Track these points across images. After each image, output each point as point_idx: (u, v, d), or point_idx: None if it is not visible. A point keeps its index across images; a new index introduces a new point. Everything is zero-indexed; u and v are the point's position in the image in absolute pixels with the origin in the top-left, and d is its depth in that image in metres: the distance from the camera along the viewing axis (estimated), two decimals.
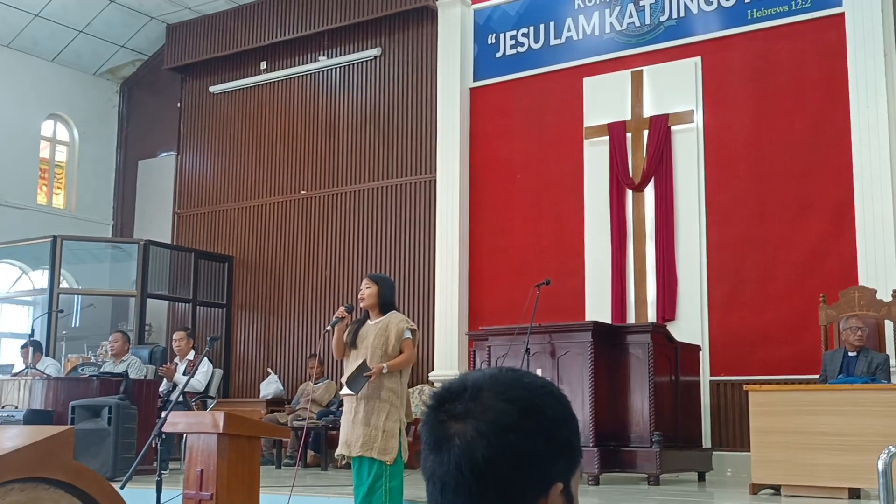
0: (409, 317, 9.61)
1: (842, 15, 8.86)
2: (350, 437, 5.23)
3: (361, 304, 5.41)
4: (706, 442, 8.71)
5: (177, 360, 9.35)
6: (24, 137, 13.34)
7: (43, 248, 11.96)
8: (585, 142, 10.01)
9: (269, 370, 11.88)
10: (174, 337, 9.50)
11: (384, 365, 5.18)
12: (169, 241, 13.15)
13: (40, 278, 12.67)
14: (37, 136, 13.62)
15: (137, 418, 8.01)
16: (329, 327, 5.40)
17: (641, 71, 9.80)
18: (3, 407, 8.49)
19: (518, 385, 1.20)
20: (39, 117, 13.65)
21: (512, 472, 1.14)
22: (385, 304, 5.33)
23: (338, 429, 9.32)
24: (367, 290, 5.29)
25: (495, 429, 1.15)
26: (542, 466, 1.16)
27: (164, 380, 8.97)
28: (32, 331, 10.20)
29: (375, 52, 11.87)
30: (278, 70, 12.71)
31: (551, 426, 1.19)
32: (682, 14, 9.72)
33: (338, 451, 5.44)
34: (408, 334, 5.25)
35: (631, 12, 10.00)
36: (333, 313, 11.41)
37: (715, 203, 9.31)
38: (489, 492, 1.14)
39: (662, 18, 9.82)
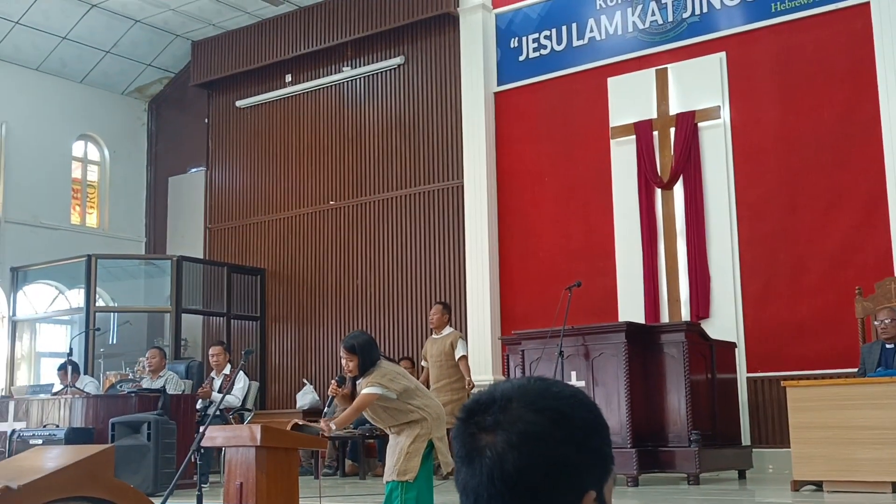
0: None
1: (867, 4, 8.78)
2: (387, 464, 5.29)
3: (349, 376, 5.41)
4: (745, 439, 8.65)
5: (213, 374, 9.42)
6: (56, 158, 13.52)
7: (78, 267, 12.11)
8: (612, 142, 9.98)
9: (305, 381, 11.94)
10: (211, 352, 9.58)
11: (332, 424, 5.20)
12: (201, 256, 13.26)
13: (76, 297, 12.82)
14: (68, 157, 13.80)
15: (176, 433, 8.08)
16: (327, 410, 5.44)
17: (666, 68, 9.76)
18: (44, 426, 8.60)
19: (547, 394, 1.21)
20: (70, 138, 13.83)
21: (544, 482, 1.15)
22: (368, 367, 5.25)
23: (375, 438, 9.41)
24: (351, 364, 5.24)
25: (525, 439, 1.16)
26: (573, 475, 1.16)
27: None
28: (71, 350, 10.31)
29: (399, 60, 11.91)
30: (303, 82, 12.79)
31: (582, 435, 1.19)
32: (704, 10, 9.67)
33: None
34: (369, 389, 5.15)
35: (653, 10, 9.96)
36: (366, 321, 11.37)
37: (745, 198, 9.24)
38: (522, 502, 1.14)
39: (685, 15, 9.77)
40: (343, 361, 5.26)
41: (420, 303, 11.32)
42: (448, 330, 9.15)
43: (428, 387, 8.81)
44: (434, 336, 9.15)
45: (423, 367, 9.47)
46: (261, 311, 12.81)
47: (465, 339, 9.26)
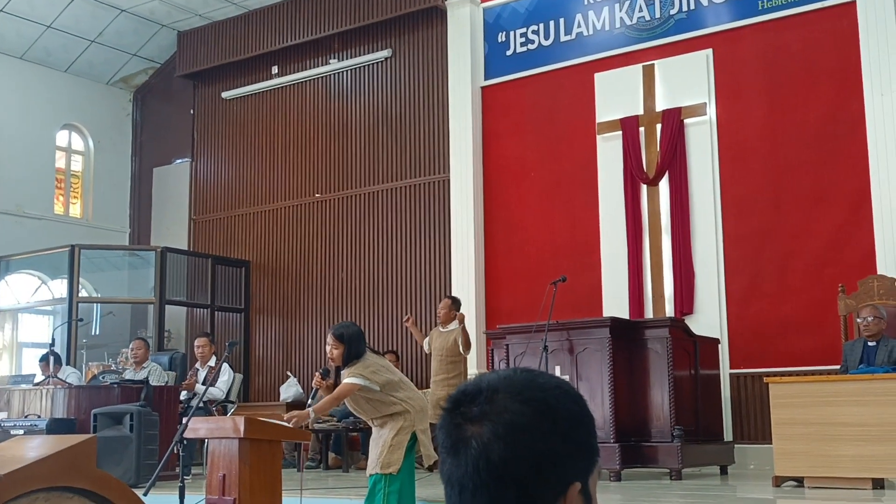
0: (423, 318, 9.64)
1: (853, 3, 8.81)
2: (370, 457, 5.31)
3: (332, 364, 5.40)
4: (728, 435, 8.69)
5: (197, 365, 9.38)
6: (39, 148, 13.43)
7: (61, 257, 12.04)
8: (598, 137, 9.99)
9: (289, 373, 11.92)
10: (196, 343, 9.52)
11: (309, 410, 5.23)
12: (185, 248, 13.21)
13: (59, 287, 12.75)
14: (52, 147, 13.71)
15: (159, 425, 8.06)
16: (311, 402, 5.43)
17: (653, 65, 9.77)
18: (25, 416, 8.56)
19: (533, 385, 1.20)
20: (54, 127, 13.74)
21: (529, 473, 1.14)
22: (352, 358, 5.25)
23: (358, 431, 9.41)
24: (336, 352, 5.24)
25: (511, 430, 1.15)
26: (559, 466, 1.16)
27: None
28: (53, 340, 10.26)
29: (386, 53, 11.89)
30: (289, 74, 12.75)
31: (567, 426, 1.19)
32: (692, 7, 9.69)
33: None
34: (350, 379, 5.16)
35: (640, 6, 9.98)
36: (349, 314, 11.36)
37: (730, 195, 9.27)
38: (507, 493, 1.14)
39: (672, 12, 9.79)
40: (328, 349, 5.26)
41: (405, 296, 11.31)
42: (454, 325, 9.07)
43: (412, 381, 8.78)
44: (440, 329, 9.09)
45: (423, 346, 9.33)
46: (245, 304, 12.77)
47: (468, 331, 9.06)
